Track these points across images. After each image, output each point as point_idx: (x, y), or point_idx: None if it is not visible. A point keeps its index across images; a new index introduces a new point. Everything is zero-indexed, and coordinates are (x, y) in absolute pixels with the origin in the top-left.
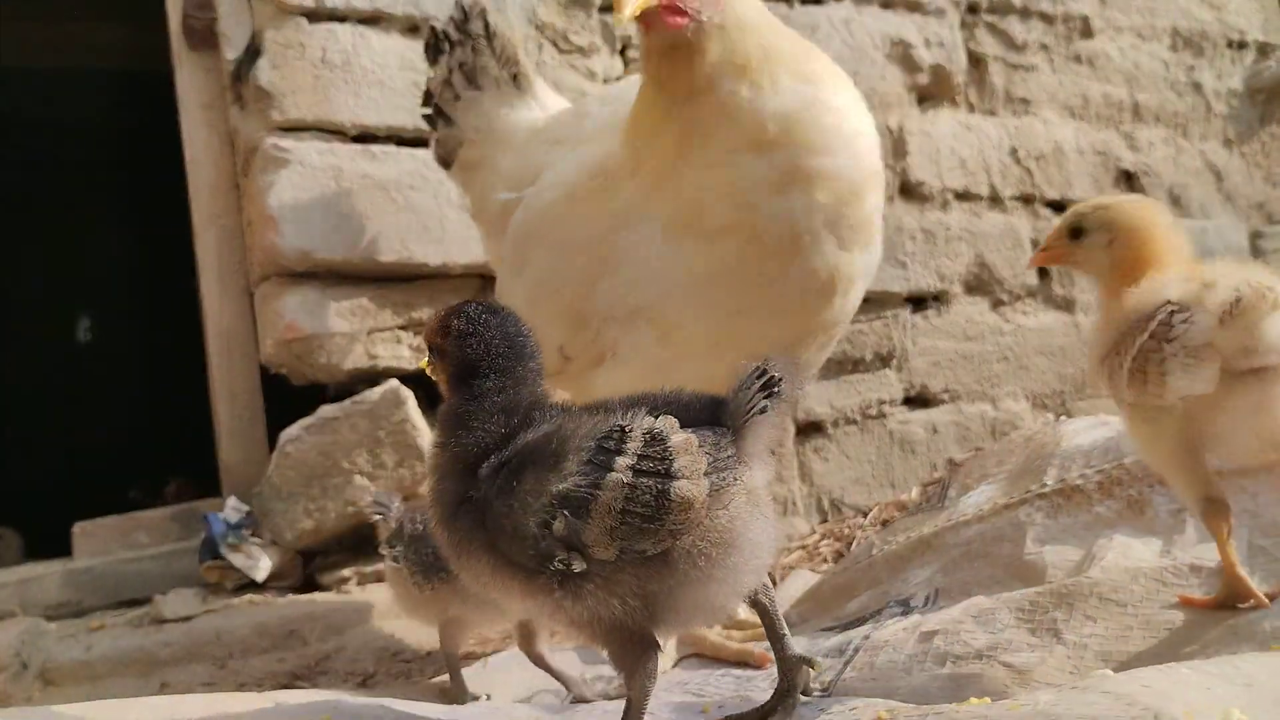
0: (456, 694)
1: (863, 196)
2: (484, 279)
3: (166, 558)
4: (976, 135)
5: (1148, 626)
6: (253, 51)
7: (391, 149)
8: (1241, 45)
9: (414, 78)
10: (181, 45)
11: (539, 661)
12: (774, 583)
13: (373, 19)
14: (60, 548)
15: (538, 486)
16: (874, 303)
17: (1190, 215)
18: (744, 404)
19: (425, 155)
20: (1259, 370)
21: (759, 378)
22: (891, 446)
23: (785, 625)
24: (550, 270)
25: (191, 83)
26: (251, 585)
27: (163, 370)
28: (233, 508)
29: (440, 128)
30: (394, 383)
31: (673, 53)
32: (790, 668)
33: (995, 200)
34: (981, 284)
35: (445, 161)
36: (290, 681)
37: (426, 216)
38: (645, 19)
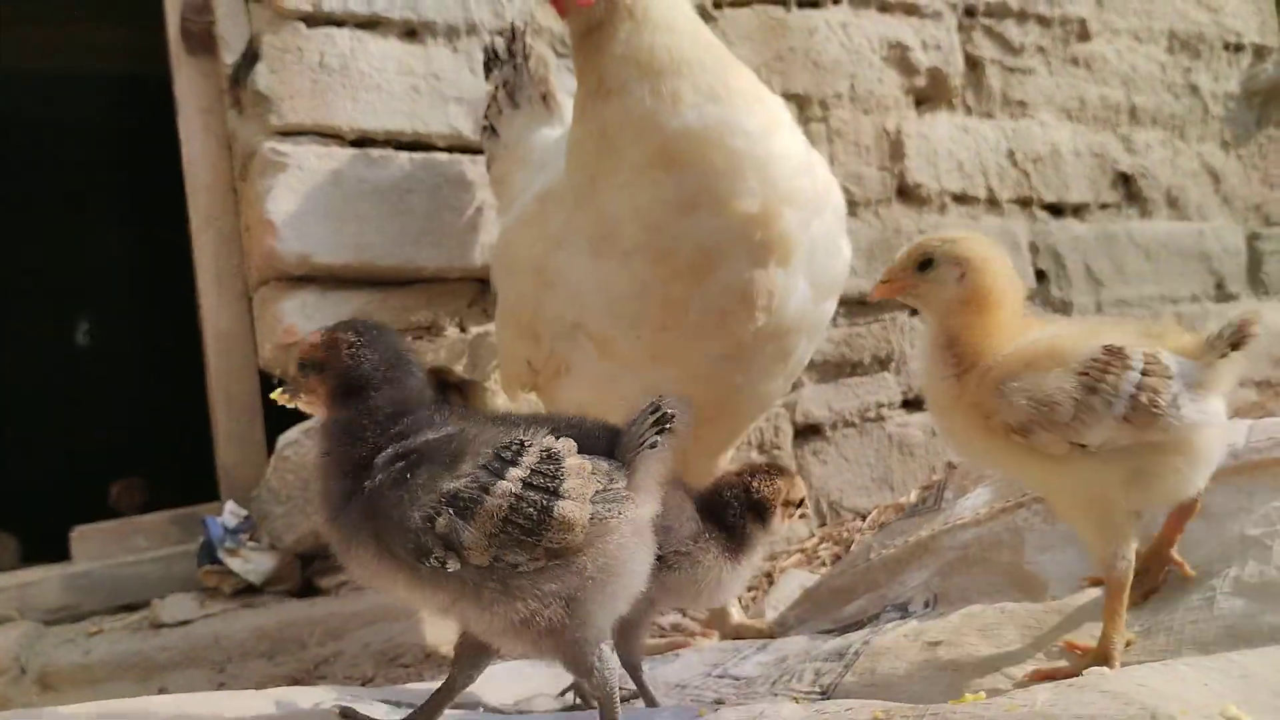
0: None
1: (775, 217)
2: (481, 283)
3: (165, 562)
4: (974, 138)
5: None
6: (250, 56)
7: (389, 153)
8: (1238, 48)
9: (412, 82)
10: (180, 49)
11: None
12: (771, 581)
13: (370, 23)
14: (58, 552)
15: (430, 482)
16: (872, 306)
17: (1188, 217)
18: (636, 438)
19: (423, 159)
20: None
21: (652, 413)
22: (890, 449)
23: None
24: (509, 291)
25: (190, 86)
26: (250, 589)
27: (161, 374)
28: (231, 512)
29: (487, 140)
30: None
31: (587, 38)
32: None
33: (993, 203)
34: None
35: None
36: (289, 685)
37: (425, 221)
38: (558, 3)
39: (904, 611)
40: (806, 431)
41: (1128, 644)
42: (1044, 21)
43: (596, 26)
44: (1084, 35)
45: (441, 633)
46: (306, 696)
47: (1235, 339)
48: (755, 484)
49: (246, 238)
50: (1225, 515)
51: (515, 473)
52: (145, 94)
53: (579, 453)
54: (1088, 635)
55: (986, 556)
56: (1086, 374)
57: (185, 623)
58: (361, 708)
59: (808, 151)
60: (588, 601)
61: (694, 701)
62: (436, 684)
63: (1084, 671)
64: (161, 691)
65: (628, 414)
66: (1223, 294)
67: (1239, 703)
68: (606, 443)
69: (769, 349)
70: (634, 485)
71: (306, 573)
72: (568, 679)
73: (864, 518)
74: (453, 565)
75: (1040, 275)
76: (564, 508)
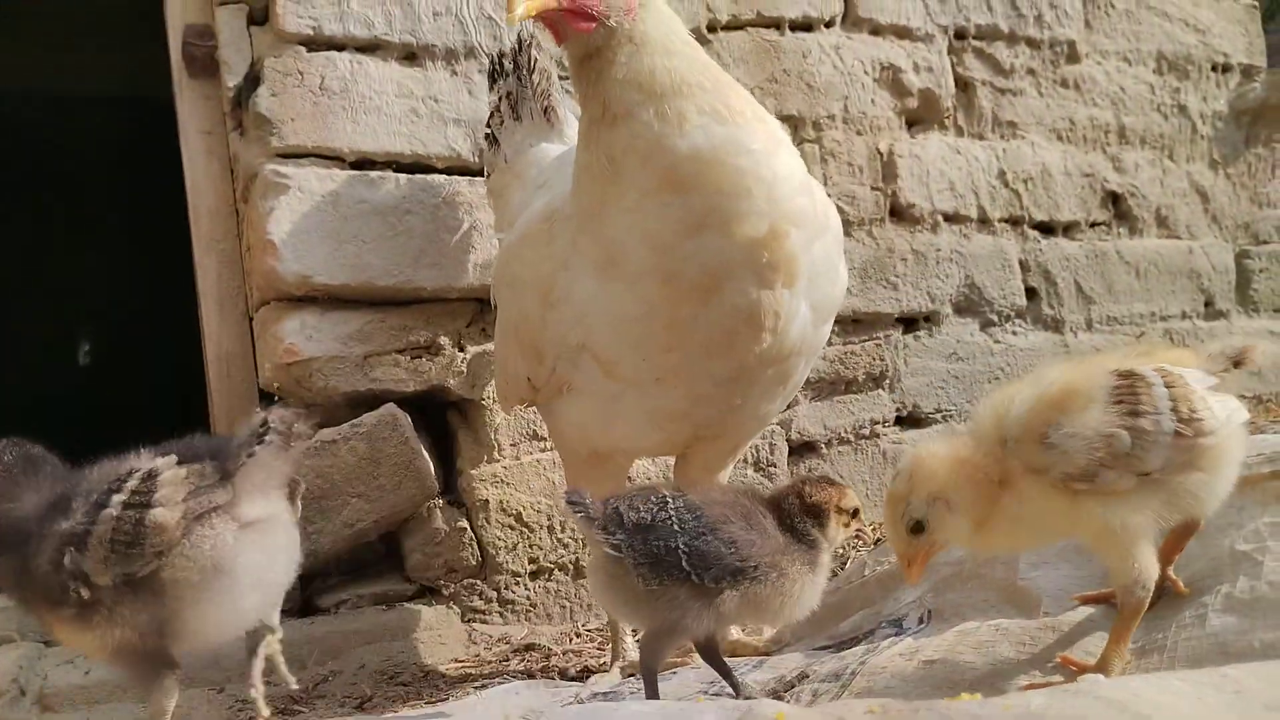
0: None
1: (781, 237)
2: (481, 302)
3: None
4: (965, 158)
5: None
6: (252, 79)
7: (389, 175)
8: (1226, 68)
9: (411, 105)
10: (182, 72)
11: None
12: None
13: (370, 47)
14: None
15: (51, 531)
16: (865, 324)
17: (1177, 235)
18: (238, 447)
19: (422, 180)
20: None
21: (258, 426)
22: (884, 466)
23: None
24: (510, 308)
25: (192, 109)
26: None
27: (162, 392)
28: None
29: (488, 149)
30: (391, 406)
31: (586, 64)
32: None
33: (984, 222)
34: (971, 304)
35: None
36: (287, 705)
37: (424, 241)
38: (550, 24)
39: (899, 627)
40: (802, 449)
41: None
42: (1033, 44)
43: (595, 53)
44: (1073, 57)
45: (440, 651)
46: None
47: (1237, 359)
48: (808, 490)
49: (248, 259)
50: (1216, 531)
51: (118, 499)
52: (148, 117)
53: (182, 463)
54: (1082, 651)
55: (980, 572)
56: (1121, 401)
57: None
58: None
59: (806, 173)
60: (203, 589)
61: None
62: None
63: (1080, 678)
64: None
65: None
66: (1212, 311)
67: (1233, 717)
68: (215, 452)
69: (770, 371)
70: (238, 487)
71: (306, 592)
72: None
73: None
74: (85, 593)
75: (1031, 293)
76: (156, 514)
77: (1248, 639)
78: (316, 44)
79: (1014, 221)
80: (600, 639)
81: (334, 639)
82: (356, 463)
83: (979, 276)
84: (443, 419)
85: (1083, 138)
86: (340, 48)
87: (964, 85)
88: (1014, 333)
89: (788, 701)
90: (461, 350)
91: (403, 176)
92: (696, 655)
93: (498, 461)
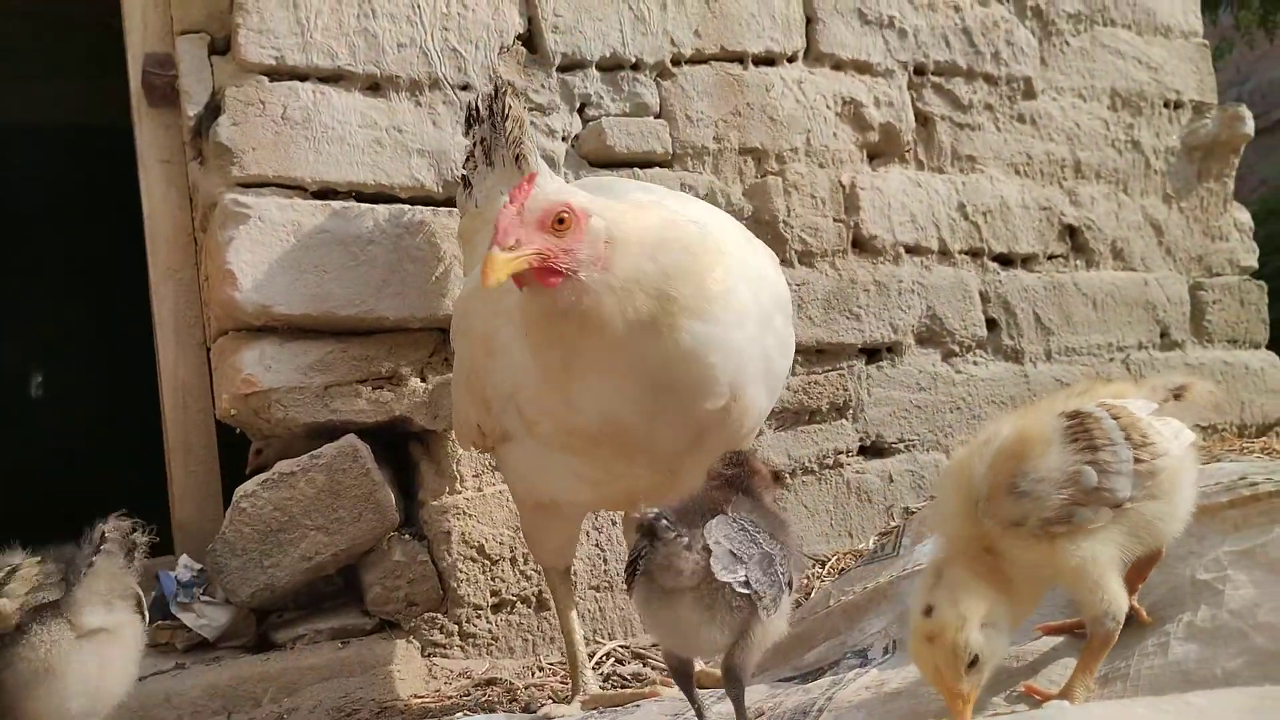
0: None
1: (741, 397)
2: (443, 332)
3: None
4: (926, 191)
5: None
6: (213, 108)
7: (352, 204)
8: (1178, 105)
9: (375, 135)
10: (141, 101)
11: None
12: None
13: (334, 77)
14: None
15: None
16: (829, 354)
17: (1133, 268)
18: (80, 558)
19: (386, 210)
20: None
21: (96, 537)
22: (848, 496)
23: None
24: (464, 356)
25: (151, 138)
26: (203, 645)
27: (118, 426)
28: (185, 566)
29: (461, 190)
30: (352, 437)
31: (555, 318)
32: None
33: (945, 254)
34: (933, 335)
35: None
36: None
37: (387, 271)
38: (519, 280)
39: (864, 658)
40: None
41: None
42: (991, 80)
43: (567, 308)
44: (1029, 93)
45: (400, 686)
46: None
47: (1177, 392)
48: (757, 464)
49: (206, 289)
50: (1177, 560)
51: None
52: (104, 146)
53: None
54: (1046, 680)
55: None
56: (1077, 439)
57: (137, 680)
58: None
59: (760, 257)
60: (33, 688)
61: None
62: None
63: (1045, 706)
64: None
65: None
66: (1168, 342)
67: None
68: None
69: (717, 451)
70: (78, 596)
71: (262, 627)
72: None
73: (824, 565)
74: None
75: (991, 324)
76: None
77: (1210, 667)
78: (279, 74)
79: (974, 253)
80: (562, 672)
81: (290, 675)
82: (315, 495)
83: (940, 307)
84: (404, 450)
85: (1040, 172)
86: (303, 78)
87: (924, 120)
88: (975, 363)
89: None
90: (424, 381)
91: (366, 206)
92: (660, 686)
93: (460, 493)
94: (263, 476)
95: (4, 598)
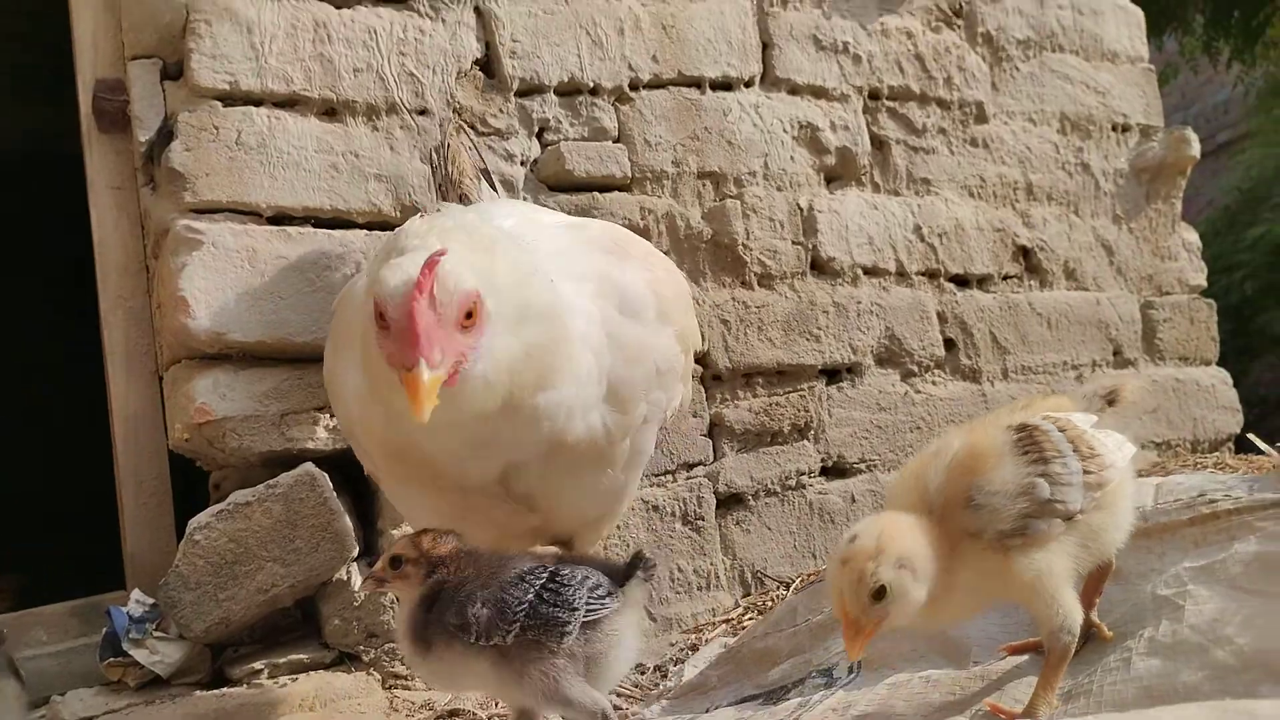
0: None
1: (572, 432)
2: None
3: (66, 655)
4: (882, 213)
5: None
6: (165, 134)
7: (308, 230)
8: (1125, 129)
9: (332, 160)
10: (91, 127)
11: None
12: (695, 651)
13: (289, 102)
14: None
15: None
16: (790, 376)
17: (1085, 287)
18: None
19: (341, 236)
20: None
21: None
22: (811, 517)
23: None
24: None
25: (101, 164)
26: (157, 682)
27: (68, 457)
28: (136, 600)
29: None
30: (309, 465)
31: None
32: None
33: (902, 275)
34: (892, 356)
35: None
36: None
37: None
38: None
39: (829, 676)
40: (729, 501)
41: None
42: (944, 104)
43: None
44: (981, 118)
45: None
46: None
47: (1109, 397)
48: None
49: (158, 316)
50: (1138, 576)
51: None
52: (52, 173)
53: None
54: (1011, 699)
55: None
56: (1027, 452)
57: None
58: None
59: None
60: None
61: None
62: None
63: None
64: None
65: None
66: (1121, 360)
67: None
68: None
69: (589, 486)
70: None
71: (217, 663)
72: None
73: (788, 586)
74: None
75: (949, 344)
76: None
77: (1171, 681)
78: (233, 99)
79: (931, 274)
80: None
81: (247, 711)
82: (272, 525)
83: (899, 328)
84: (363, 478)
85: (993, 194)
86: (258, 103)
87: (879, 143)
88: (934, 383)
89: None
90: None
91: (322, 232)
92: None
93: None
94: (217, 507)
95: None
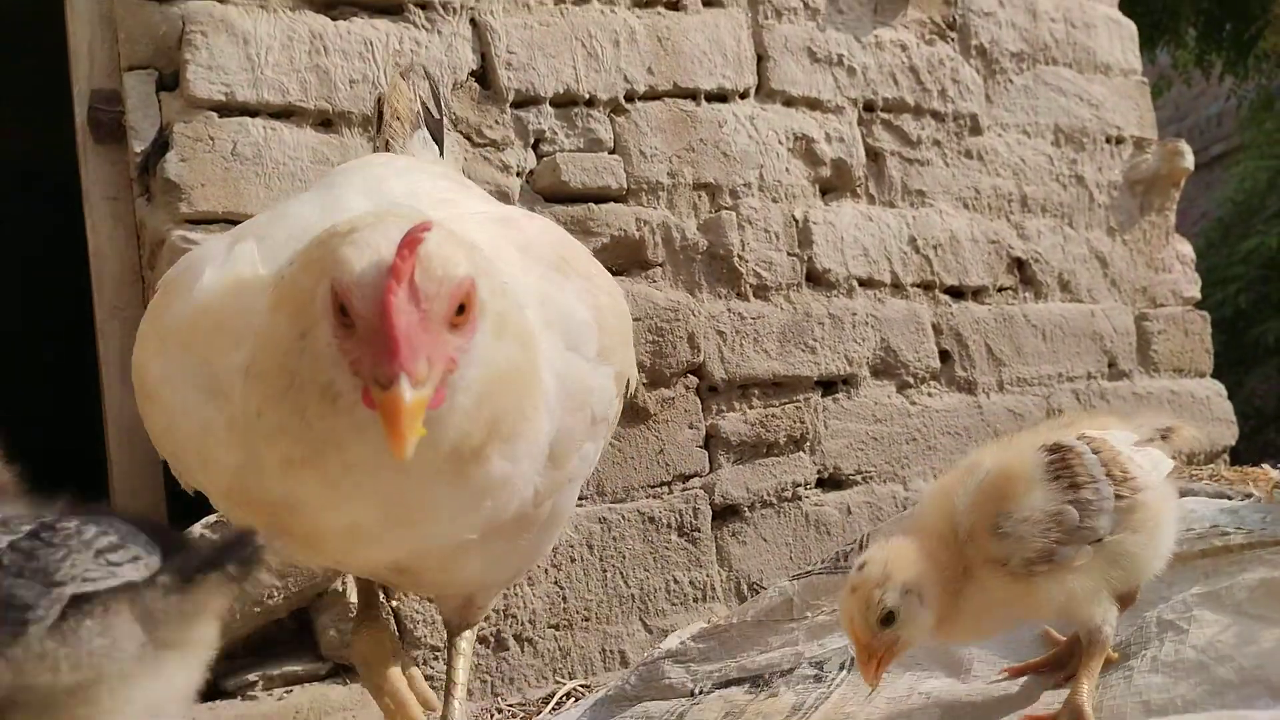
0: None
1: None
2: None
3: None
4: (877, 225)
5: None
6: (161, 144)
7: None
8: (1119, 140)
9: (327, 170)
10: (87, 138)
11: None
12: None
13: (285, 113)
14: None
15: None
16: (786, 387)
17: (1080, 300)
18: None
19: None
20: None
21: None
22: (807, 528)
23: None
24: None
25: (97, 175)
26: None
27: (63, 468)
28: None
29: None
30: None
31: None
32: None
33: (897, 287)
34: (888, 367)
35: None
36: None
37: None
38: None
39: (820, 670)
40: (725, 513)
41: None
42: (938, 116)
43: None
44: (976, 130)
45: None
46: None
47: (1165, 434)
48: None
49: None
50: (1145, 604)
51: None
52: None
53: None
54: (1011, 712)
55: None
56: (1059, 476)
57: None
58: None
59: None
60: None
61: None
62: None
63: None
64: None
65: None
66: (1116, 372)
67: None
68: None
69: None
70: None
71: (211, 674)
72: None
73: None
74: None
75: (945, 356)
76: None
77: (1169, 695)
78: (229, 110)
79: (926, 286)
80: (523, 714)
81: None
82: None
83: (894, 340)
84: None
85: (987, 206)
86: (253, 114)
87: (874, 155)
88: (930, 394)
89: None
90: None
91: None
92: None
93: None
94: (212, 518)
95: None
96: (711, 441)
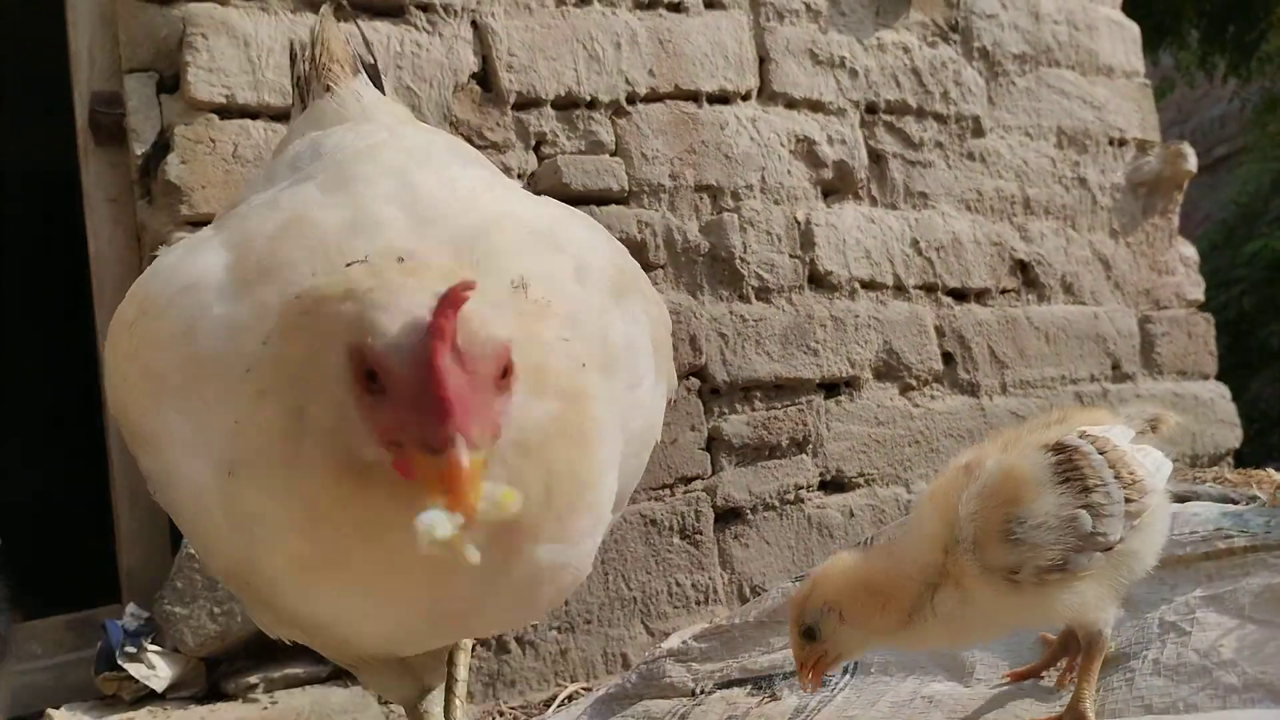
0: None
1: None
2: None
3: (60, 669)
4: (880, 227)
5: None
6: (161, 147)
7: None
8: (1122, 143)
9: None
10: (88, 140)
11: None
12: None
13: (286, 115)
14: None
15: None
16: (788, 390)
17: (1083, 302)
18: None
19: None
20: None
21: None
22: (810, 531)
23: None
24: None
25: (98, 177)
26: (152, 696)
27: (63, 472)
28: (131, 614)
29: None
30: None
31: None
32: None
33: (900, 289)
34: (890, 370)
35: None
36: None
37: None
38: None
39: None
40: (727, 515)
41: None
42: (941, 119)
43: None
44: (978, 132)
45: None
46: None
47: (1153, 424)
48: None
49: None
50: (1147, 605)
51: None
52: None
53: None
54: (1013, 715)
55: None
56: (1068, 479)
57: None
58: None
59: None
60: None
61: None
62: None
63: None
64: None
65: None
66: (1119, 374)
67: None
68: None
69: None
70: None
71: (212, 676)
72: None
73: None
74: None
75: (947, 358)
76: None
77: (1171, 697)
78: (229, 112)
79: (928, 288)
80: (524, 716)
81: None
82: None
83: (897, 342)
84: None
85: (990, 208)
86: (254, 116)
87: (876, 157)
88: (932, 397)
89: None
90: None
91: None
92: None
93: None
94: None
95: None
96: (713, 444)
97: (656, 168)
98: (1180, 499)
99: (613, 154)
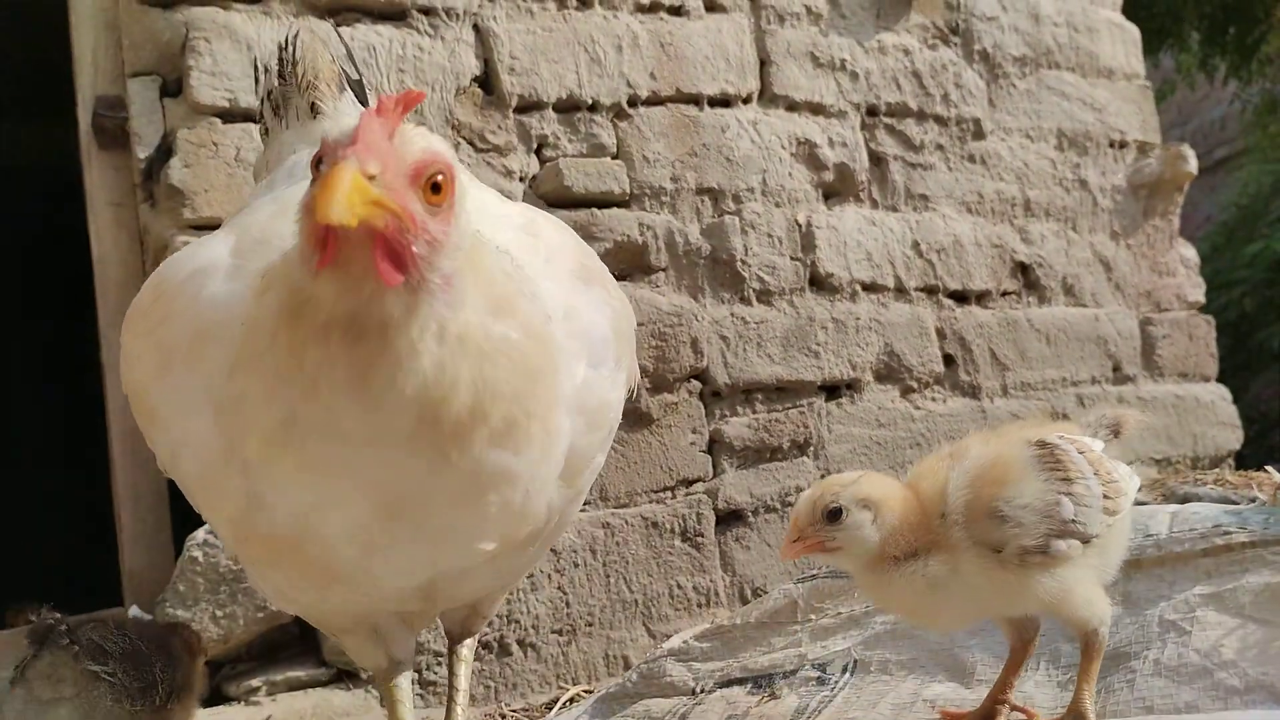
0: None
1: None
2: None
3: None
4: (880, 229)
5: None
6: (165, 150)
7: None
8: (1122, 145)
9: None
10: (91, 143)
11: None
12: None
13: None
14: None
15: None
16: (789, 392)
17: (1084, 304)
18: None
19: None
20: None
21: None
22: None
23: None
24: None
25: (101, 181)
26: None
27: (67, 475)
28: (134, 617)
29: (259, 160)
30: None
31: (319, 343)
32: None
33: (901, 291)
34: (891, 372)
35: None
36: None
37: None
38: (333, 247)
39: (823, 673)
40: (729, 518)
41: None
42: (941, 121)
43: (379, 325)
44: (979, 134)
45: None
46: None
47: (1115, 428)
48: None
49: None
50: (1147, 602)
51: None
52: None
53: None
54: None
55: (916, 634)
56: (1052, 469)
57: None
58: None
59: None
60: None
61: None
62: None
63: None
64: None
65: None
66: (1120, 376)
67: None
68: None
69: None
70: None
71: (215, 679)
72: None
73: None
74: None
75: (949, 360)
76: None
77: (1171, 699)
78: (232, 115)
79: (929, 290)
80: (525, 719)
81: None
82: None
83: (898, 344)
84: None
85: (991, 210)
86: (257, 119)
87: (877, 160)
88: (933, 399)
89: None
90: None
91: None
92: None
93: None
94: None
95: None
96: (715, 446)
97: (658, 170)
98: (1181, 500)
99: (614, 157)
